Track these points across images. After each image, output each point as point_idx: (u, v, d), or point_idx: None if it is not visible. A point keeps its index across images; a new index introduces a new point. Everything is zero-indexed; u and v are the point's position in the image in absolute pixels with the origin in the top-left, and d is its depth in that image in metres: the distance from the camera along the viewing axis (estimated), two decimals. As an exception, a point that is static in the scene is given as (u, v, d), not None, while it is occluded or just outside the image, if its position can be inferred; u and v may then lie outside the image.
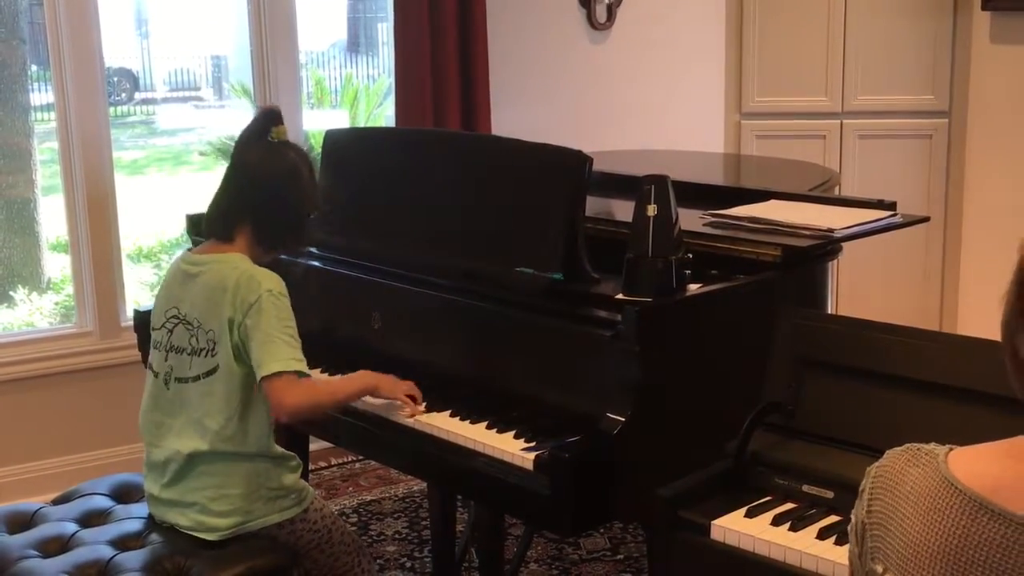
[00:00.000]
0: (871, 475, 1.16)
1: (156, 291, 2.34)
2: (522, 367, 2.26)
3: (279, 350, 2.11)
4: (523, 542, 3.01)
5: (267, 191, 2.25)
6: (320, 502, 2.32)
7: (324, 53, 7.13)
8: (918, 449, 1.13)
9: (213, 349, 2.16)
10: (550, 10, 4.30)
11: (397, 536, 3.32)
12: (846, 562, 1.33)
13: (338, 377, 2.42)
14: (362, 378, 2.31)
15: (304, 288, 2.78)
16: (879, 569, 1.10)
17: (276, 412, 2.15)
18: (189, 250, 2.33)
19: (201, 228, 2.45)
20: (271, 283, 2.16)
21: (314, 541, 2.27)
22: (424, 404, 2.29)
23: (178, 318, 2.22)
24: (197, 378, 2.18)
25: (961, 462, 1.08)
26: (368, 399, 2.32)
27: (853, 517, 1.18)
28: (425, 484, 3.27)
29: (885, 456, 1.16)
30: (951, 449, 1.11)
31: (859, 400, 1.87)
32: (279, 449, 2.26)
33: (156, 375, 2.26)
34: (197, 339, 2.18)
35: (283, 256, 2.77)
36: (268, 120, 2.29)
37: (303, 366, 2.14)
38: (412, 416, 2.27)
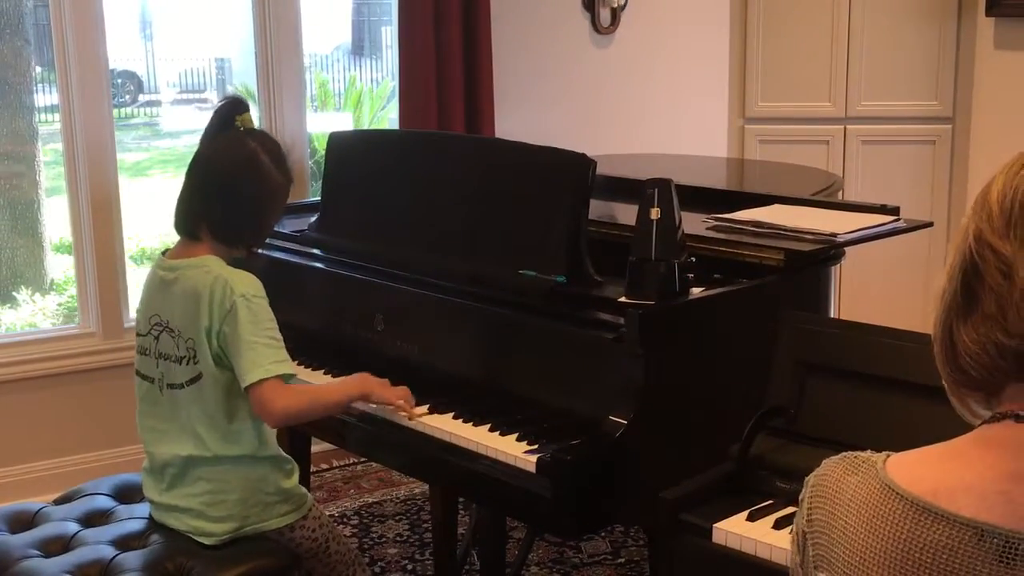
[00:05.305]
0: (809, 484, 1.16)
1: (139, 295, 2.29)
2: (525, 370, 2.26)
3: (260, 356, 2.07)
4: (524, 545, 3.01)
5: (221, 180, 2.15)
6: (319, 510, 2.31)
7: (328, 56, 7.12)
8: (855, 457, 1.13)
9: (195, 357, 2.13)
10: (554, 14, 4.31)
11: (399, 538, 3.31)
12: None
13: (328, 382, 2.36)
14: (351, 384, 2.26)
15: (307, 289, 2.78)
16: None
17: (263, 419, 2.14)
18: (164, 253, 2.24)
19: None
20: (245, 286, 2.09)
21: (312, 550, 2.25)
22: (427, 407, 2.28)
23: (161, 325, 2.18)
24: (183, 385, 2.15)
25: (900, 467, 1.08)
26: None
27: (794, 526, 1.18)
28: (427, 486, 3.27)
29: (822, 465, 1.16)
30: (888, 456, 1.11)
31: (861, 404, 1.86)
32: (277, 449, 2.23)
33: (151, 381, 2.22)
34: (179, 347, 2.15)
35: (284, 257, 2.78)
36: (232, 108, 2.20)
37: (287, 367, 2.10)
38: (410, 419, 2.25)
